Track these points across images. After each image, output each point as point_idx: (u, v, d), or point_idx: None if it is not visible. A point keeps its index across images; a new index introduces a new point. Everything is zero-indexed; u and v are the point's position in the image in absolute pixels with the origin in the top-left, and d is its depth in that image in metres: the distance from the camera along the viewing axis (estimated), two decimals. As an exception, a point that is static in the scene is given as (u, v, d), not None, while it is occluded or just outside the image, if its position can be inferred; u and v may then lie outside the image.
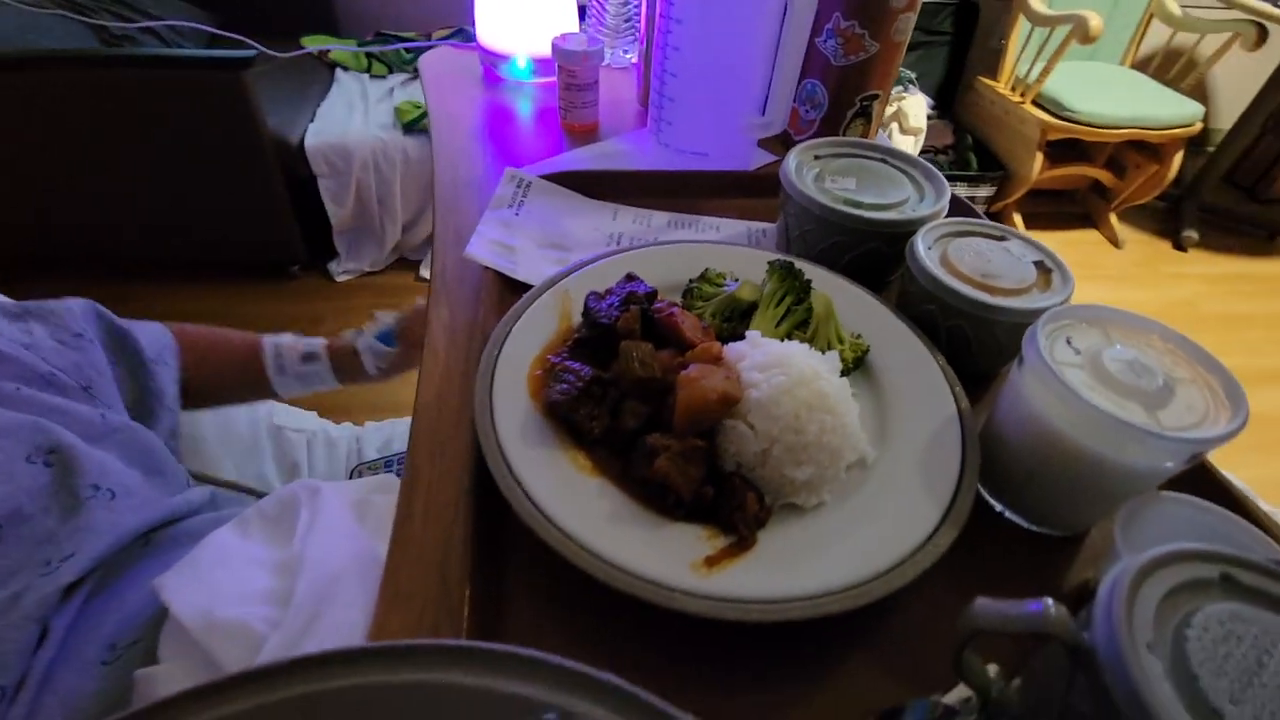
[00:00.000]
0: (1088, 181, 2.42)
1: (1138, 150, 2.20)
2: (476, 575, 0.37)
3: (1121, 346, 0.39)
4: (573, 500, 0.37)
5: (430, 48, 1.02)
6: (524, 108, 0.87)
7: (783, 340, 0.44)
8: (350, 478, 0.82)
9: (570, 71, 0.76)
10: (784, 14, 0.60)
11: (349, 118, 1.89)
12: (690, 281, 0.50)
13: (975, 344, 0.49)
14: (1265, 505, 0.67)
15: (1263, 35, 1.95)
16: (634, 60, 0.95)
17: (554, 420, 0.41)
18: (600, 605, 0.37)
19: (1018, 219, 2.35)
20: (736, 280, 0.50)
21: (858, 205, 0.55)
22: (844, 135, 0.76)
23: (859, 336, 0.47)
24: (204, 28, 1.86)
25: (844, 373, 0.45)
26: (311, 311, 1.88)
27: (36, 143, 1.57)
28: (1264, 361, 1.98)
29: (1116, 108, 2.03)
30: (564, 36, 0.76)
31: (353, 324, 0.78)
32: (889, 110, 2.43)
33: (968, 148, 2.37)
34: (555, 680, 0.24)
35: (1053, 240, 2.39)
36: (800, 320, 0.47)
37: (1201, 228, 2.35)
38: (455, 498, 0.41)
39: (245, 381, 0.75)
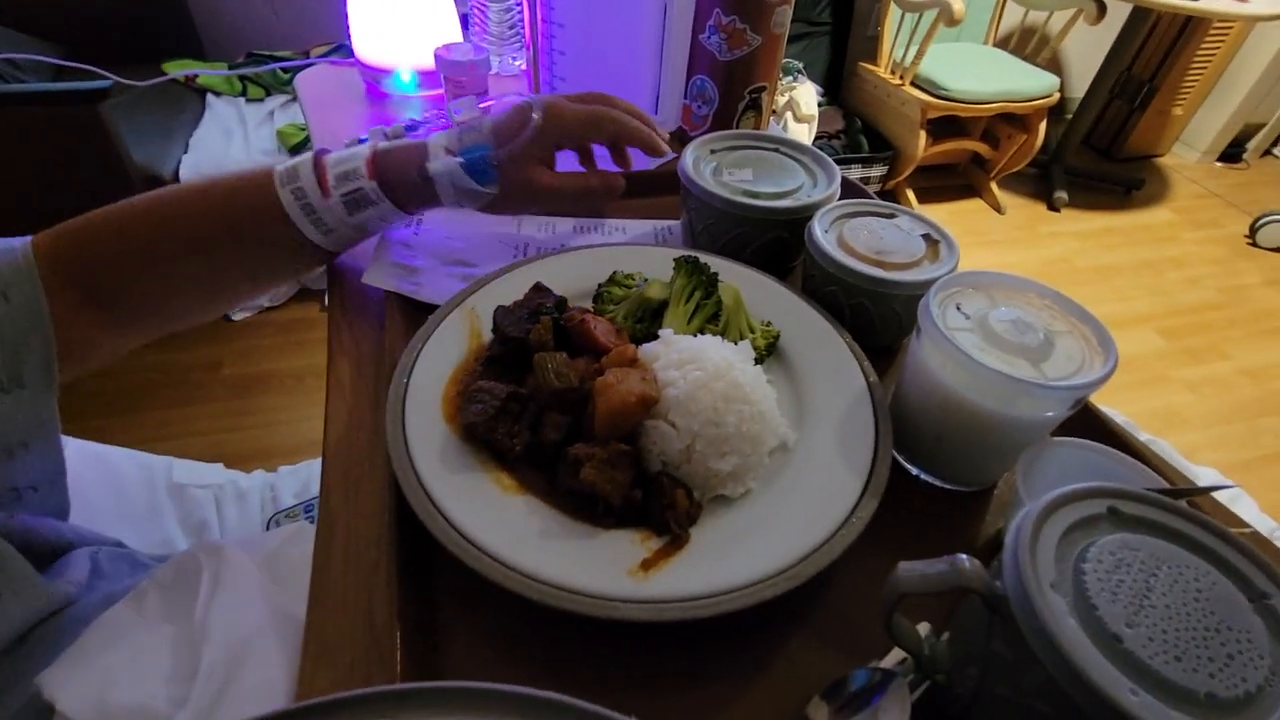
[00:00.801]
0: (968, 155, 2.59)
1: (1007, 122, 2.38)
2: (407, 616, 0.35)
3: (1005, 307, 0.42)
4: (500, 522, 0.36)
5: (308, 66, 0.97)
6: (414, 123, 0.84)
7: (696, 335, 0.45)
8: (268, 529, 0.77)
9: (457, 82, 0.74)
10: (664, 12, 0.61)
11: (227, 146, 1.78)
12: (599, 286, 0.50)
13: (877, 319, 0.51)
14: (1144, 435, 0.73)
15: (1102, 10, 2.14)
16: (524, 67, 0.94)
17: (474, 443, 0.40)
18: (541, 625, 0.36)
19: (910, 195, 2.48)
20: (645, 280, 0.50)
21: (756, 195, 0.56)
22: (737, 128, 0.77)
23: (769, 324, 0.48)
24: (47, 59, 1.70)
25: (758, 360, 0.46)
26: (209, 356, 1.76)
27: None
28: (1132, 305, 2.19)
29: (984, 84, 2.18)
30: (447, 47, 0.74)
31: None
32: (782, 100, 2.52)
33: (858, 131, 2.48)
34: (498, 707, 0.23)
35: (943, 211, 2.55)
36: (711, 314, 0.48)
37: (1070, 189, 2.56)
38: (376, 538, 0.39)
39: (248, 244, 0.49)
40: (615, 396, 0.37)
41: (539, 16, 0.64)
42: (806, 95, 2.45)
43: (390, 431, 0.39)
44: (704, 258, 0.49)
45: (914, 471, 0.46)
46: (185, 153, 1.73)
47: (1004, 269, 0.44)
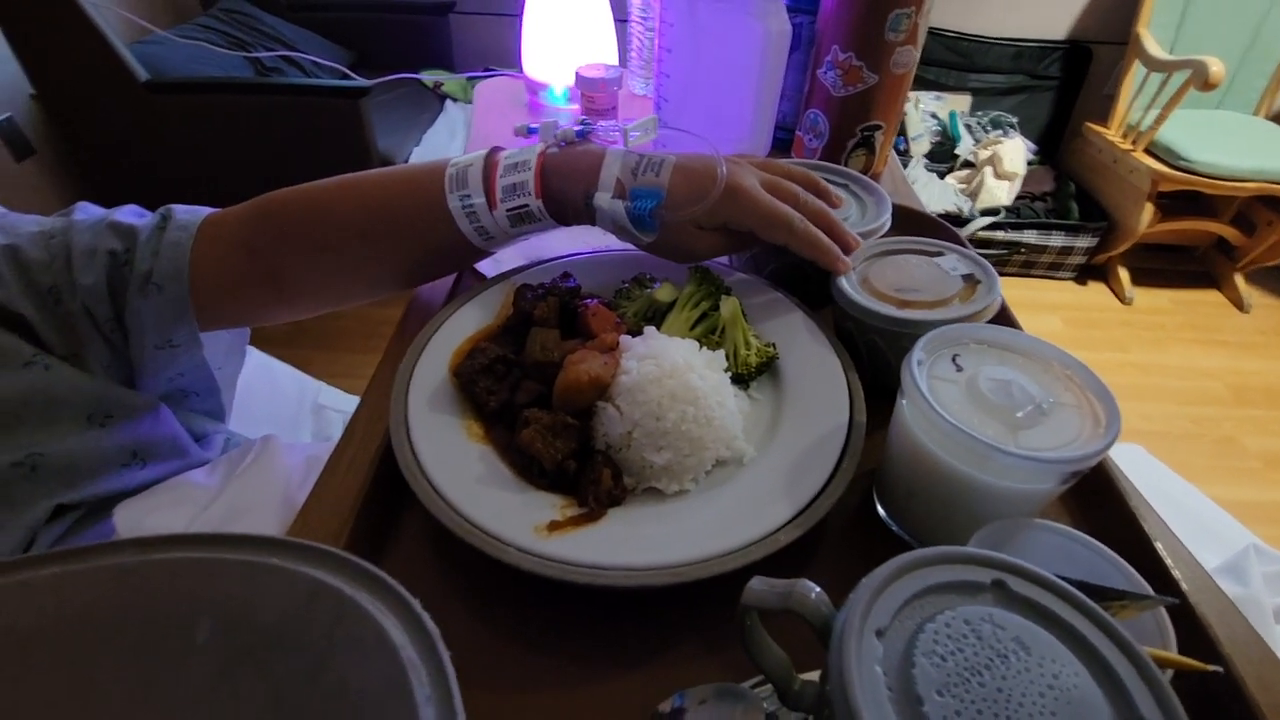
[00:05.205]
0: (1211, 238, 2.20)
1: (1270, 207, 1.98)
2: (363, 515, 0.42)
3: (1004, 368, 0.38)
4: (451, 460, 0.41)
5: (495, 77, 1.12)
6: (556, 131, 0.94)
7: (698, 341, 0.46)
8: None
9: (590, 98, 0.83)
10: (762, 47, 0.63)
11: (450, 142, 2.09)
12: (623, 283, 0.53)
13: (892, 359, 0.48)
14: None
15: None
16: (669, 91, 1.00)
17: (464, 393, 0.45)
18: (473, 558, 0.40)
19: (1123, 273, 2.17)
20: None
21: None
22: (845, 164, 0.76)
23: (771, 345, 0.48)
24: (338, 66, 2.11)
25: (748, 376, 0.47)
26: (398, 315, 2.05)
27: (195, 150, 1.85)
28: None
29: (1242, 159, 1.84)
30: (587, 66, 0.83)
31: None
32: (984, 154, 2.34)
33: (1069, 195, 2.22)
34: (326, 563, 0.28)
35: (1164, 298, 2.18)
36: (716, 324, 0.49)
37: (1352, 297, 2.06)
38: (375, 454, 0.46)
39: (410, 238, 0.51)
40: (572, 372, 0.40)
41: (654, 42, 0.69)
42: (1014, 151, 2.26)
43: (402, 366, 0.46)
44: (718, 269, 0.51)
45: (891, 526, 0.43)
46: (417, 145, 2.05)
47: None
